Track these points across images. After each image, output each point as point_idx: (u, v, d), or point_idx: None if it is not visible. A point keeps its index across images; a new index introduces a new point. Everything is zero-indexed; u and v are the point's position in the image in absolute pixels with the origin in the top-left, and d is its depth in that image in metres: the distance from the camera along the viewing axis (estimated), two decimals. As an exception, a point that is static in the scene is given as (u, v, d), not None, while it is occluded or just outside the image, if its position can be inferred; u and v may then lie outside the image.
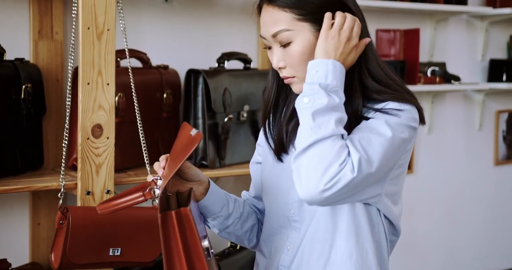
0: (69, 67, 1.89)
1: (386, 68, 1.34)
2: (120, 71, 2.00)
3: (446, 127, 3.40)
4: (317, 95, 1.20)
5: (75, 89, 1.90)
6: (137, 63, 2.19)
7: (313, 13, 1.26)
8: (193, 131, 1.26)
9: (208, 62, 2.39)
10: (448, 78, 3.22)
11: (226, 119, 2.24)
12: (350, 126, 1.26)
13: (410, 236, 3.24)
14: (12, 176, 1.93)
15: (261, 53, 2.58)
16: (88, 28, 1.85)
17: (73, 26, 1.87)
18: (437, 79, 3.12)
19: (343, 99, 1.23)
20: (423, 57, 3.21)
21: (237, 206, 1.44)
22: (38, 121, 2.04)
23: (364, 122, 1.26)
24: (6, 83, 1.88)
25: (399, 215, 1.37)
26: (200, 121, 2.19)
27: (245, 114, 2.31)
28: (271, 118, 1.42)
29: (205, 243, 1.19)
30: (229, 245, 2.38)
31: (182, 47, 2.44)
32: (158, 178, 1.28)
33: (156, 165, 1.31)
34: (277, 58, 1.30)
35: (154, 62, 2.27)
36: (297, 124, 1.37)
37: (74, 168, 1.99)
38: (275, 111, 1.41)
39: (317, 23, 1.27)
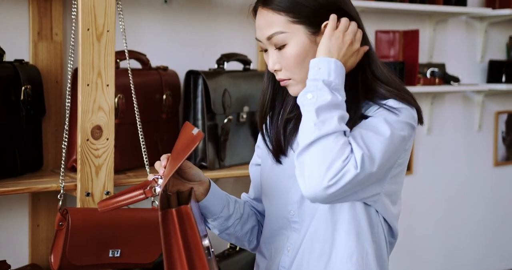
0: (68, 69, 1.88)
1: (387, 69, 1.35)
2: (120, 73, 2.00)
3: (446, 128, 3.40)
4: (320, 92, 1.21)
5: (75, 90, 1.90)
6: (136, 65, 2.19)
7: (308, 17, 1.27)
8: (195, 131, 1.26)
9: (207, 63, 2.39)
10: (447, 79, 3.22)
11: (225, 120, 2.24)
12: (351, 126, 1.26)
13: (410, 237, 3.24)
14: (12, 177, 1.92)
15: (260, 55, 2.58)
16: (88, 29, 1.85)
17: (73, 28, 1.87)
18: (437, 80, 3.12)
19: (344, 97, 1.24)
20: (423, 58, 3.21)
21: (237, 207, 1.44)
22: (37, 122, 2.04)
23: (364, 121, 1.27)
24: (5, 84, 1.87)
25: (397, 215, 1.38)
26: (199, 122, 2.19)
27: (244, 116, 2.31)
28: (268, 121, 1.42)
29: (206, 242, 1.19)
30: (228, 246, 2.38)
31: (181, 49, 2.44)
32: (159, 177, 1.28)
33: (157, 164, 1.31)
34: (272, 60, 1.31)
35: (154, 63, 2.27)
36: (295, 126, 1.37)
37: (73, 169, 1.99)
38: (272, 114, 1.41)
39: (312, 26, 1.28)
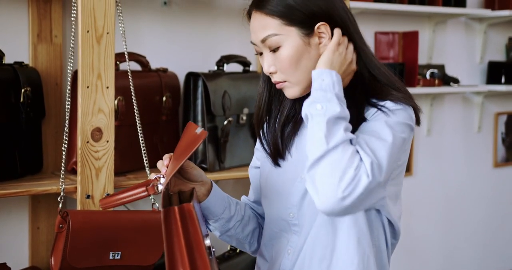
0: (68, 71, 1.88)
1: (385, 69, 1.35)
2: (120, 75, 2.00)
3: (445, 129, 3.40)
4: (330, 103, 1.21)
5: (75, 92, 1.90)
6: (136, 67, 2.19)
7: (301, 20, 1.28)
8: (198, 130, 1.26)
9: (207, 65, 2.39)
10: (447, 80, 3.22)
11: (225, 122, 2.24)
12: (353, 129, 1.26)
13: (409, 238, 3.24)
14: (12, 179, 1.92)
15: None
16: (88, 31, 1.85)
17: (72, 30, 1.87)
18: (436, 81, 3.13)
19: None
20: (422, 60, 3.21)
21: (238, 209, 1.44)
22: (37, 125, 2.03)
23: (365, 126, 1.27)
24: (5, 87, 1.87)
25: (399, 216, 1.38)
26: (199, 124, 2.19)
27: (244, 117, 2.31)
28: (265, 125, 1.42)
29: (207, 242, 1.18)
30: (229, 248, 2.38)
31: (181, 50, 2.44)
32: (161, 176, 1.28)
33: (159, 163, 1.31)
34: (267, 63, 1.31)
35: (153, 65, 2.26)
36: (292, 129, 1.38)
37: (73, 171, 1.99)
38: (268, 117, 1.41)
39: (305, 28, 1.28)
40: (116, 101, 1.98)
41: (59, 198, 1.81)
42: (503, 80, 3.40)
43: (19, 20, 2.10)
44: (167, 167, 1.28)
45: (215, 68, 2.31)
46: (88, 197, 1.88)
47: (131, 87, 1.99)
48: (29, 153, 1.98)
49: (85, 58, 1.85)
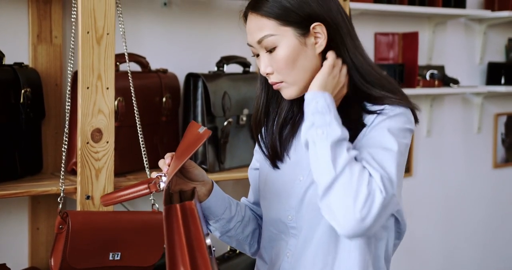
0: (68, 72, 1.88)
1: (378, 69, 1.35)
2: (120, 75, 2.00)
3: (445, 130, 3.40)
4: (331, 127, 1.21)
5: (75, 93, 1.90)
6: (136, 67, 2.19)
7: (297, 21, 1.29)
8: (201, 129, 1.26)
9: (207, 66, 2.39)
10: (446, 81, 3.22)
11: (225, 123, 2.24)
12: (352, 135, 1.26)
13: (410, 238, 3.23)
14: (11, 180, 1.92)
15: (260, 57, 2.58)
16: (88, 32, 1.85)
17: (72, 30, 1.87)
18: (436, 82, 3.13)
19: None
20: (422, 61, 3.21)
21: (239, 210, 1.45)
22: (37, 125, 2.03)
23: (368, 136, 1.26)
24: (5, 87, 1.87)
25: (402, 214, 1.38)
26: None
27: (244, 118, 2.31)
28: (263, 127, 1.42)
29: (208, 241, 1.18)
30: (228, 249, 2.38)
31: (181, 51, 2.44)
32: (163, 174, 1.28)
33: (161, 162, 1.31)
34: (264, 64, 1.32)
35: (153, 66, 2.26)
36: (290, 131, 1.37)
37: (73, 172, 1.99)
38: (266, 120, 1.41)
39: (301, 28, 1.29)
40: (116, 102, 1.98)
41: (59, 199, 1.81)
42: (502, 81, 3.40)
43: (19, 20, 2.10)
44: (169, 166, 1.29)
45: (215, 69, 2.31)
46: (88, 197, 1.88)
47: (131, 88, 1.99)
48: (29, 153, 1.97)
49: (85, 59, 1.85)
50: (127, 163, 2.06)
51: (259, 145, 1.43)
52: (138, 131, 1.97)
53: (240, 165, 2.31)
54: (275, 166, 1.39)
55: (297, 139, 1.39)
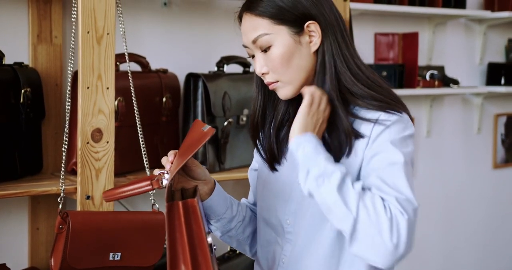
0: (68, 71, 1.88)
1: (368, 71, 1.33)
2: (120, 75, 2.00)
3: (445, 130, 3.40)
4: (327, 171, 1.18)
5: (75, 93, 1.90)
6: (136, 67, 2.19)
7: (291, 20, 1.28)
8: (205, 127, 1.26)
9: (207, 66, 2.39)
10: (446, 81, 3.22)
11: (225, 123, 2.23)
12: (340, 143, 1.26)
13: (409, 240, 3.23)
14: (11, 180, 1.92)
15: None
16: (88, 32, 1.85)
17: (73, 30, 1.87)
18: (436, 83, 3.13)
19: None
20: (422, 61, 3.21)
21: (240, 210, 1.44)
22: (37, 125, 2.03)
23: (373, 157, 1.24)
24: (5, 87, 1.87)
25: None
26: (199, 125, 2.19)
27: (244, 118, 2.30)
28: (260, 130, 1.42)
29: (209, 239, 1.18)
30: (228, 249, 2.37)
31: (181, 51, 2.44)
32: (165, 172, 1.28)
33: (164, 159, 1.31)
34: (259, 64, 1.32)
35: (153, 66, 2.26)
36: (286, 134, 1.37)
37: (73, 172, 1.98)
38: (263, 122, 1.40)
39: (295, 26, 1.29)
40: (116, 102, 1.98)
41: (59, 199, 1.80)
42: (502, 81, 3.40)
43: (19, 20, 2.10)
44: (172, 163, 1.28)
45: (215, 69, 2.31)
46: (88, 197, 1.88)
47: (131, 88, 1.99)
48: (29, 153, 1.97)
49: (86, 59, 1.85)
50: (127, 163, 2.06)
51: (257, 148, 1.42)
52: (138, 131, 1.97)
53: (240, 165, 2.31)
54: (273, 168, 1.39)
55: None
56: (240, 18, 1.36)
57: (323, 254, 1.30)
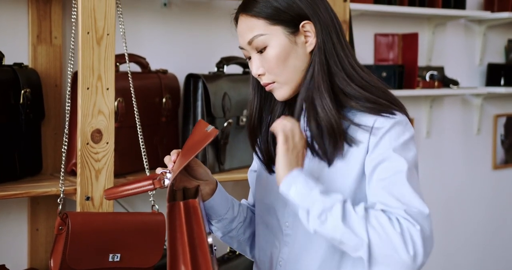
0: (68, 72, 1.88)
1: (364, 72, 1.32)
2: (120, 76, 1.99)
3: (445, 131, 3.40)
4: (326, 205, 1.17)
5: (75, 94, 1.89)
6: (136, 68, 2.18)
7: (286, 21, 1.28)
8: (209, 128, 1.26)
9: (207, 66, 2.38)
10: (446, 82, 3.22)
11: (225, 124, 2.23)
12: (332, 144, 1.25)
13: (409, 241, 3.23)
14: (11, 181, 1.91)
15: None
16: (88, 32, 1.85)
17: (72, 31, 1.87)
18: (436, 83, 3.13)
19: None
20: (422, 62, 3.21)
21: (241, 211, 1.44)
22: (37, 126, 2.03)
23: (376, 167, 1.23)
24: (4, 88, 1.87)
25: None
26: (199, 126, 2.19)
27: (244, 119, 2.30)
28: (258, 133, 1.41)
29: (209, 240, 1.18)
30: (228, 250, 2.37)
31: (181, 52, 2.44)
32: (168, 171, 1.27)
33: (166, 158, 1.31)
34: (255, 65, 1.32)
35: (153, 66, 2.26)
36: None
37: (73, 173, 1.98)
38: (260, 125, 1.40)
39: (290, 26, 1.29)
40: (116, 103, 1.98)
41: (58, 200, 1.80)
42: (502, 82, 3.40)
43: (19, 21, 2.09)
44: (174, 163, 1.28)
45: (215, 69, 2.31)
46: (87, 198, 1.88)
47: (131, 88, 1.98)
48: (28, 154, 1.97)
49: (85, 60, 1.85)
50: (127, 164, 2.06)
51: (255, 151, 1.42)
52: (138, 132, 1.97)
53: (240, 166, 2.31)
54: (271, 170, 1.39)
55: None
56: (236, 20, 1.36)
57: (321, 258, 1.30)
